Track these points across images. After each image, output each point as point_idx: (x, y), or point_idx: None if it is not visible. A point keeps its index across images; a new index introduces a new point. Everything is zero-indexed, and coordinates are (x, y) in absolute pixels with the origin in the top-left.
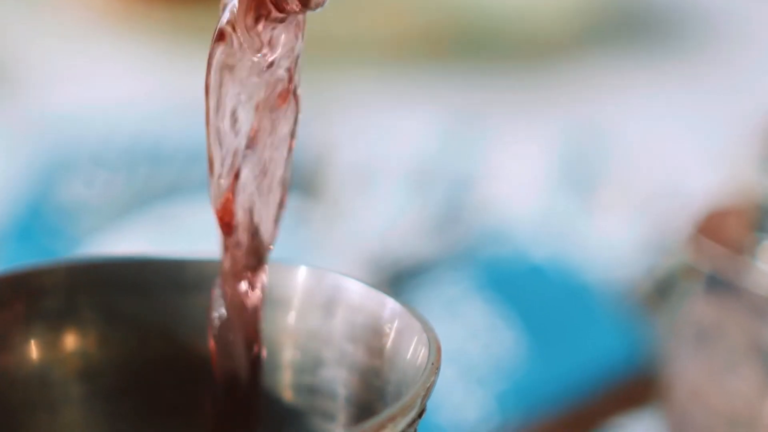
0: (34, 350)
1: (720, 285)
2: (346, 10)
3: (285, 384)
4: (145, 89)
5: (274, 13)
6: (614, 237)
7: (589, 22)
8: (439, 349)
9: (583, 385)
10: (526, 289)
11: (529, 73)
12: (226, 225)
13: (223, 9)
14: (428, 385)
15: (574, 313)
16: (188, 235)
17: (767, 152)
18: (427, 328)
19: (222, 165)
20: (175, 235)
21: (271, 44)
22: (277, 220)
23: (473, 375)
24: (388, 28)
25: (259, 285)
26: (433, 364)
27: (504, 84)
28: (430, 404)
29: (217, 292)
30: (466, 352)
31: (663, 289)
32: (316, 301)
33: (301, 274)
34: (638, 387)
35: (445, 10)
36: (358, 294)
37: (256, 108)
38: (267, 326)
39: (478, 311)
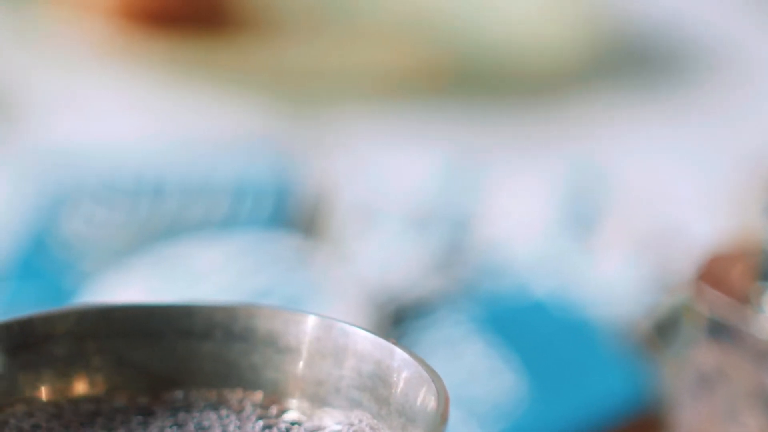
0: (43, 396)
1: (722, 330)
2: (346, 45)
3: None
4: (148, 123)
5: None
6: (615, 275)
7: (590, 58)
8: (447, 400)
9: (586, 426)
10: (528, 327)
11: (529, 110)
12: None
13: None
14: None
15: (576, 352)
16: (190, 272)
17: None
18: (436, 378)
19: None
20: (176, 273)
21: None
22: None
23: (474, 415)
24: (388, 64)
25: None
26: (441, 415)
27: (505, 120)
28: None
29: None
30: (467, 392)
31: (664, 331)
32: (324, 349)
33: (310, 323)
34: (642, 428)
35: (446, 45)
36: (367, 343)
37: None
38: (275, 374)
39: (479, 350)
